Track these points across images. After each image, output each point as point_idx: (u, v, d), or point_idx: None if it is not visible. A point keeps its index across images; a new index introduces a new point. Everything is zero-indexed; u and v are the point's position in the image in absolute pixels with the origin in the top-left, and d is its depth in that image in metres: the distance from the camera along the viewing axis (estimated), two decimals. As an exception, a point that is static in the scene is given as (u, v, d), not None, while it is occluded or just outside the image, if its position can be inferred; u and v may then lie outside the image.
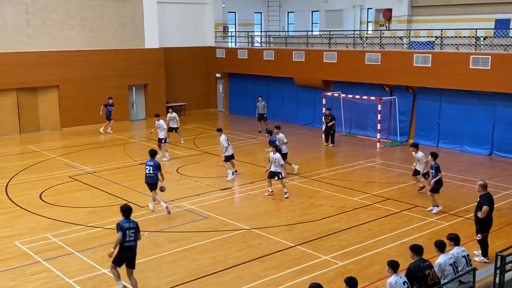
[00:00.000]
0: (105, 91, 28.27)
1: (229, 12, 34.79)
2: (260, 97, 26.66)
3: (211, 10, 32.88)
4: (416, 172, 16.24)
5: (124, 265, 10.09)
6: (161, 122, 20.88)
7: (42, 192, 16.75)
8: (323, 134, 23.93)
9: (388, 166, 19.92)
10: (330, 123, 23.22)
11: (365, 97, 24.31)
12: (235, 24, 35.83)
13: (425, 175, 15.99)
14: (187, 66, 32.42)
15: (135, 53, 29.29)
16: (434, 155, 14.84)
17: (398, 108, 24.11)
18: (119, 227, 9.88)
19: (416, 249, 9.06)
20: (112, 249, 9.93)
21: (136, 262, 11.63)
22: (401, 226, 13.77)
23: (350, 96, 25.00)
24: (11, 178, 18.39)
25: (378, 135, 23.57)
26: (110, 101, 26.59)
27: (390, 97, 24.27)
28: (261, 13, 36.71)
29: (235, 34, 34.50)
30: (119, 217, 14.29)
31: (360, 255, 11.97)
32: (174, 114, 23.27)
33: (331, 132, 23.37)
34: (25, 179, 18.34)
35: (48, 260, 11.75)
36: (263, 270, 11.26)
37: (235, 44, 33.84)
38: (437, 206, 14.75)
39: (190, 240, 12.88)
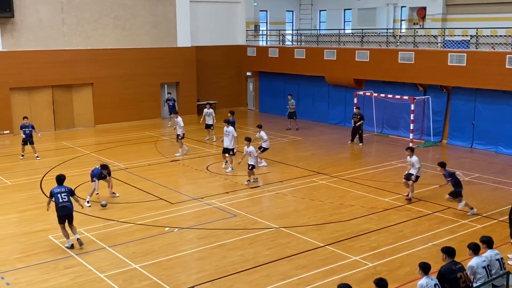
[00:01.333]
0: (138, 89, 28.70)
1: (260, 10, 34.80)
2: (289, 96, 26.70)
3: (242, 9, 32.97)
4: (408, 176, 15.72)
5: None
6: (179, 119, 21.28)
7: (76, 188, 17.05)
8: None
9: (420, 167, 19.62)
10: (359, 123, 23.06)
11: (398, 97, 24.00)
12: (266, 22, 35.82)
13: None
14: (218, 65, 32.57)
15: (167, 51, 29.58)
16: (442, 164, 14.63)
17: (431, 108, 23.74)
18: (50, 193, 12.45)
19: (448, 251, 8.92)
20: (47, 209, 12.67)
21: (166, 258, 11.80)
22: (433, 227, 13.56)
23: (382, 95, 24.73)
24: (46, 174, 18.78)
25: (411, 135, 23.25)
26: (169, 95, 27.76)
27: (423, 97, 23.91)
28: (292, 11, 36.61)
29: (266, 33, 34.49)
30: (151, 213, 14.55)
31: (391, 256, 11.84)
32: (211, 110, 23.71)
33: (360, 132, 23.18)
34: (59, 175, 18.68)
35: (80, 254, 11.96)
36: (292, 269, 11.24)
37: (266, 43, 33.85)
38: (472, 208, 14.47)
39: (219, 237, 12.94)
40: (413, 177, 15.49)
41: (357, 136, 23.34)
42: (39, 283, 10.65)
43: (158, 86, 29.69)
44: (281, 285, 10.56)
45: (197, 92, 31.23)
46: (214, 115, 23.80)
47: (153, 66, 29.09)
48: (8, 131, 25.35)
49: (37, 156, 20.79)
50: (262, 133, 19.41)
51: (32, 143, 20.61)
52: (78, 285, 10.59)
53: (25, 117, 21.04)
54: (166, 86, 30.21)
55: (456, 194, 14.45)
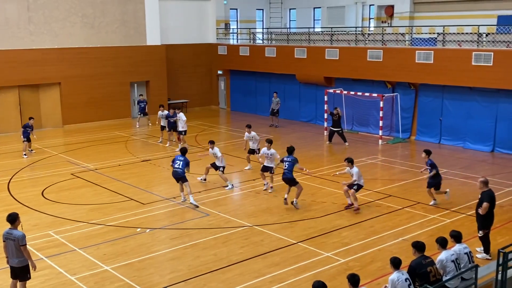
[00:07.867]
0: (107, 88, 28.36)
1: (230, 9, 34.74)
2: (275, 93, 27.09)
3: (213, 7, 32.86)
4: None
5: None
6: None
7: (44, 189, 16.77)
8: (326, 132, 24.13)
9: (390, 163, 19.91)
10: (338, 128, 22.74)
11: (367, 94, 24.27)
12: (237, 21, 35.77)
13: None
14: (189, 63, 32.40)
15: (137, 50, 29.29)
16: (428, 152, 15.15)
17: (400, 105, 24.08)
18: None
19: (418, 246, 9.06)
20: None
21: (138, 259, 11.68)
22: (403, 223, 13.76)
23: (352, 93, 24.96)
24: (13, 175, 18.41)
25: (380, 132, 23.53)
26: (141, 97, 27.62)
27: (392, 94, 24.23)
28: (263, 10, 36.65)
29: (237, 31, 34.46)
30: (122, 214, 14.40)
31: (362, 252, 11.97)
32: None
33: (341, 131, 22.85)
34: (27, 176, 18.36)
35: (50, 257, 11.77)
36: (265, 267, 11.27)
37: (237, 41, 33.79)
38: (434, 199, 15.06)
39: (192, 237, 12.89)
40: (354, 187, 14.59)
41: (340, 137, 22.90)
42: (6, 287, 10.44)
43: (127, 85, 29.38)
44: (254, 283, 10.58)
45: (168, 91, 31.00)
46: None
47: (122, 65, 28.77)
48: (-27, 133, 24.77)
49: (31, 150, 21.76)
50: (216, 149, 17.06)
51: (29, 140, 21.57)
52: (49, 288, 10.43)
53: (31, 118, 21.99)
54: (136, 85, 29.92)
55: (430, 185, 14.93)
